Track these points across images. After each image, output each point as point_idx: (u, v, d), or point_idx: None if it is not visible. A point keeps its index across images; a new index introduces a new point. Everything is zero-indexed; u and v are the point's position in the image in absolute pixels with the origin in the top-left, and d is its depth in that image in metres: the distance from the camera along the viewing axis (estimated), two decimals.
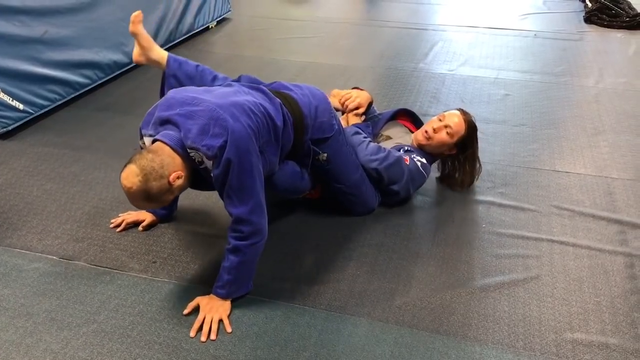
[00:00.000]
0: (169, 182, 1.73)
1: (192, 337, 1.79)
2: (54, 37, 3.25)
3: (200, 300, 1.89)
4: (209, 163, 1.76)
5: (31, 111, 3.15)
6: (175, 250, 2.19)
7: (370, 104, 2.56)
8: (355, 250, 2.20)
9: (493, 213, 2.44)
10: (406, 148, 2.47)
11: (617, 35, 4.98)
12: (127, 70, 3.89)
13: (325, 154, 2.17)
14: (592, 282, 2.05)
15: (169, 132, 1.78)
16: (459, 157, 2.52)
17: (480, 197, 2.54)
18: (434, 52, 4.51)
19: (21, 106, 3.08)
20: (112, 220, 2.33)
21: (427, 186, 2.60)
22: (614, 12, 5.24)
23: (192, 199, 2.44)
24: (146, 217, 2.30)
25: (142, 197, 1.73)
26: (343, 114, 2.57)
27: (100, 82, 3.65)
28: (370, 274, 2.08)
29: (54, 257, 2.14)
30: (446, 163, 2.61)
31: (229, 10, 5.31)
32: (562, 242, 2.25)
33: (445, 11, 5.85)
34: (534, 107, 3.49)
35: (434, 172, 2.63)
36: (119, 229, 2.29)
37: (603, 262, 2.15)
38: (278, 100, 1.98)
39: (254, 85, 2.05)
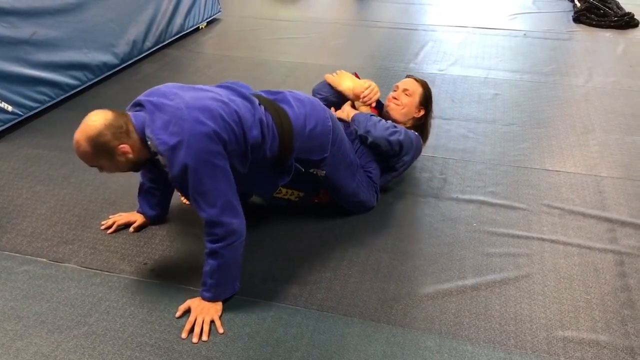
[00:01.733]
0: (116, 147, 1.75)
1: (183, 339, 1.78)
2: (42, 39, 3.23)
3: (191, 303, 1.89)
4: (162, 159, 1.76)
5: (20, 113, 3.13)
6: (167, 252, 2.18)
7: None
8: (347, 250, 2.21)
9: (484, 212, 2.45)
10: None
11: (606, 34, 5.01)
12: (116, 72, 3.87)
13: (324, 172, 2.17)
14: (582, 280, 2.06)
15: (139, 114, 1.81)
16: (426, 116, 2.65)
17: (471, 196, 2.55)
18: (424, 52, 4.52)
19: (10, 108, 3.06)
20: (103, 222, 2.32)
21: (418, 185, 2.61)
22: (602, 11, 5.27)
23: (180, 199, 2.43)
24: (137, 218, 2.29)
25: (89, 137, 1.74)
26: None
27: (89, 83, 3.64)
28: (362, 273, 2.08)
29: (44, 260, 2.13)
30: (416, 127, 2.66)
31: (219, 11, 5.30)
32: (552, 241, 2.27)
33: (435, 11, 5.86)
34: (523, 107, 3.50)
35: None
36: (109, 231, 2.28)
37: (593, 260, 2.16)
38: (264, 117, 1.92)
39: (245, 93, 1.96)
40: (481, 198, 2.54)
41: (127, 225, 2.29)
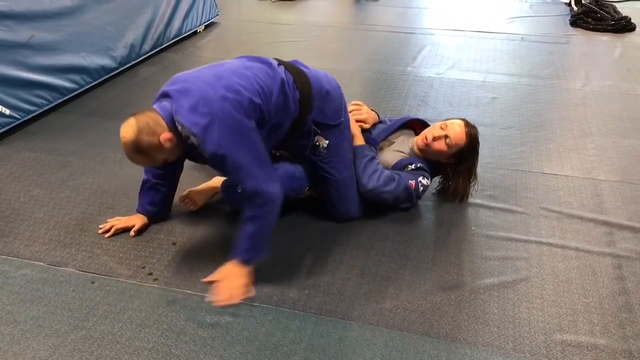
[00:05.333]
0: (159, 141, 1.84)
1: (208, 302, 1.93)
2: (40, 42, 3.23)
3: (221, 270, 1.99)
4: (194, 139, 1.83)
5: (18, 116, 3.13)
6: (165, 256, 2.17)
7: (374, 124, 2.59)
8: (345, 253, 2.20)
9: (482, 215, 2.45)
10: (414, 165, 2.40)
11: (603, 38, 5.03)
12: (114, 75, 3.87)
13: (327, 142, 2.20)
14: (580, 284, 2.06)
15: (164, 104, 1.87)
16: (456, 168, 2.47)
17: (469, 200, 2.55)
18: (422, 55, 4.53)
19: (7, 111, 3.05)
20: (101, 226, 2.31)
21: None
22: (599, 15, 5.29)
23: (181, 204, 2.43)
24: (136, 221, 2.28)
25: (133, 148, 1.84)
26: None
27: (87, 87, 3.63)
28: (360, 277, 2.08)
29: (42, 264, 2.12)
30: (444, 173, 2.55)
31: (217, 15, 5.30)
32: (550, 244, 2.27)
33: (433, 15, 5.88)
34: (521, 110, 3.51)
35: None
36: (107, 235, 2.27)
37: (591, 263, 2.17)
38: (283, 75, 2.03)
39: (261, 57, 2.13)
40: (479, 201, 2.54)
41: (125, 229, 2.29)
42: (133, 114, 1.87)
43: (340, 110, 2.22)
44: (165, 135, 1.84)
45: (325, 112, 2.16)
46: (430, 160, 2.46)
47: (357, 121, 2.49)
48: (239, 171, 1.88)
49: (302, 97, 2.06)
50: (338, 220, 2.37)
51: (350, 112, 2.47)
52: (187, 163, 2.25)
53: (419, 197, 2.41)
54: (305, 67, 2.18)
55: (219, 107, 1.81)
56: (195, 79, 1.90)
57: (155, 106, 1.89)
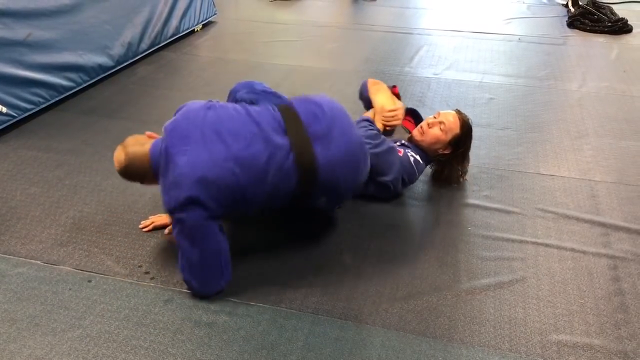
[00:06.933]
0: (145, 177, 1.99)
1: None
2: (37, 40, 3.22)
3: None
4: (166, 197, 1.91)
5: (14, 114, 3.12)
6: (161, 255, 2.17)
7: None
8: (342, 253, 2.21)
9: (478, 216, 2.46)
10: (402, 142, 2.52)
11: (600, 39, 5.04)
12: (111, 74, 3.86)
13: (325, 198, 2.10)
14: (576, 284, 2.07)
15: (159, 144, 1.96)
16: (451, 155, 2.56)
17: (465, 200, 2.56)
18: (419, 56, 4.53)
19: (4, 109, 3.05)
20: (143, 222, 2.33)
21: (413, 188, 2.62)
22: (596, 17, 5.31)
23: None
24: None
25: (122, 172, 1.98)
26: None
27: (84, 85, 3.62)
28: (357, 277, 2.09)
29: (38, 262, 2.12)
30: (439, 161, 2.62)
31: (215, 14, 5.30)
32: (546, 245, 2.28)
33: (431, 15, 5.88)
34: (518, 111, 3.52)
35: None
36: (146, 229, 2.29)
37: (587, 264, 2.17)
38: (281, 160, 1.90)
39: (271, 113, 2.02)
40: (476, 202, 2.55)
41: (163, 226, 2.29)
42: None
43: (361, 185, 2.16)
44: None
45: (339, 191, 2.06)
46: (427, 152, 2.54)
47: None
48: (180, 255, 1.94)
49: (301, 178, 1.93)
50: None
51: (383, 118, 2.46)
52: None
53: (412, 171, 2.45)
54: (325, 144, 1.92)
55: (183, 199, 1.82)
56: (189, 142, 1.88)
57: (155, 142, 2.00)
